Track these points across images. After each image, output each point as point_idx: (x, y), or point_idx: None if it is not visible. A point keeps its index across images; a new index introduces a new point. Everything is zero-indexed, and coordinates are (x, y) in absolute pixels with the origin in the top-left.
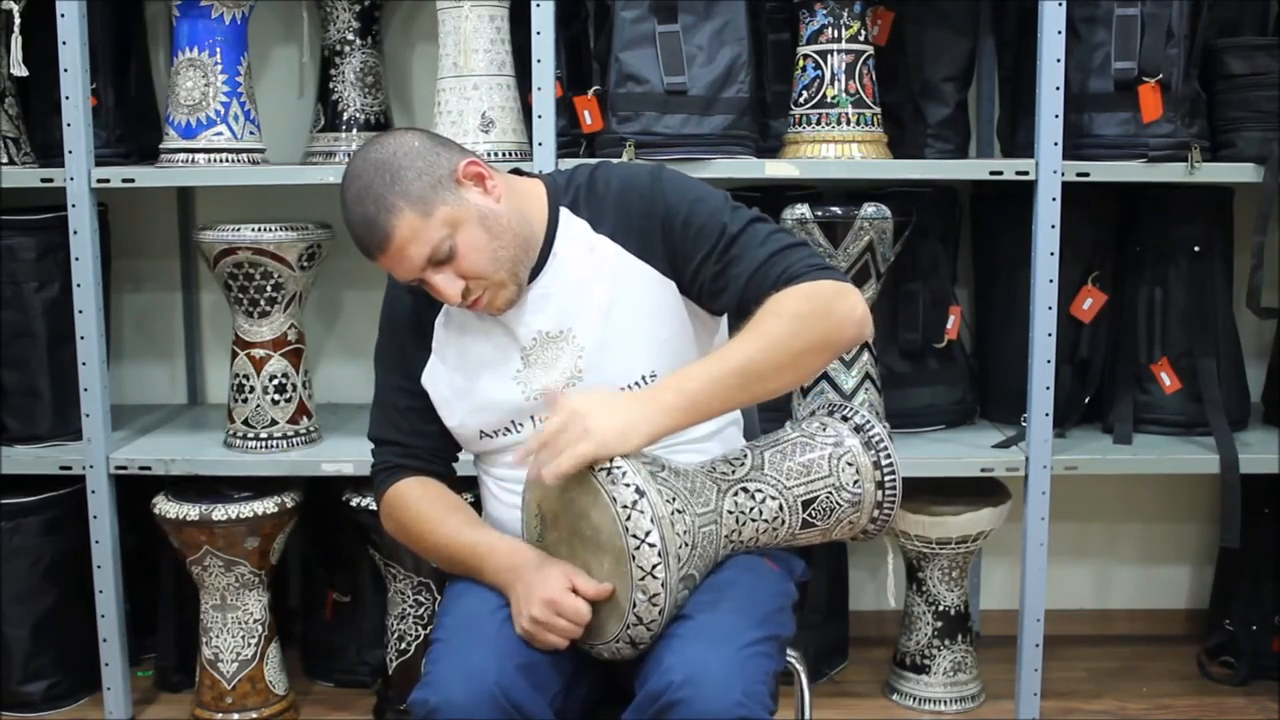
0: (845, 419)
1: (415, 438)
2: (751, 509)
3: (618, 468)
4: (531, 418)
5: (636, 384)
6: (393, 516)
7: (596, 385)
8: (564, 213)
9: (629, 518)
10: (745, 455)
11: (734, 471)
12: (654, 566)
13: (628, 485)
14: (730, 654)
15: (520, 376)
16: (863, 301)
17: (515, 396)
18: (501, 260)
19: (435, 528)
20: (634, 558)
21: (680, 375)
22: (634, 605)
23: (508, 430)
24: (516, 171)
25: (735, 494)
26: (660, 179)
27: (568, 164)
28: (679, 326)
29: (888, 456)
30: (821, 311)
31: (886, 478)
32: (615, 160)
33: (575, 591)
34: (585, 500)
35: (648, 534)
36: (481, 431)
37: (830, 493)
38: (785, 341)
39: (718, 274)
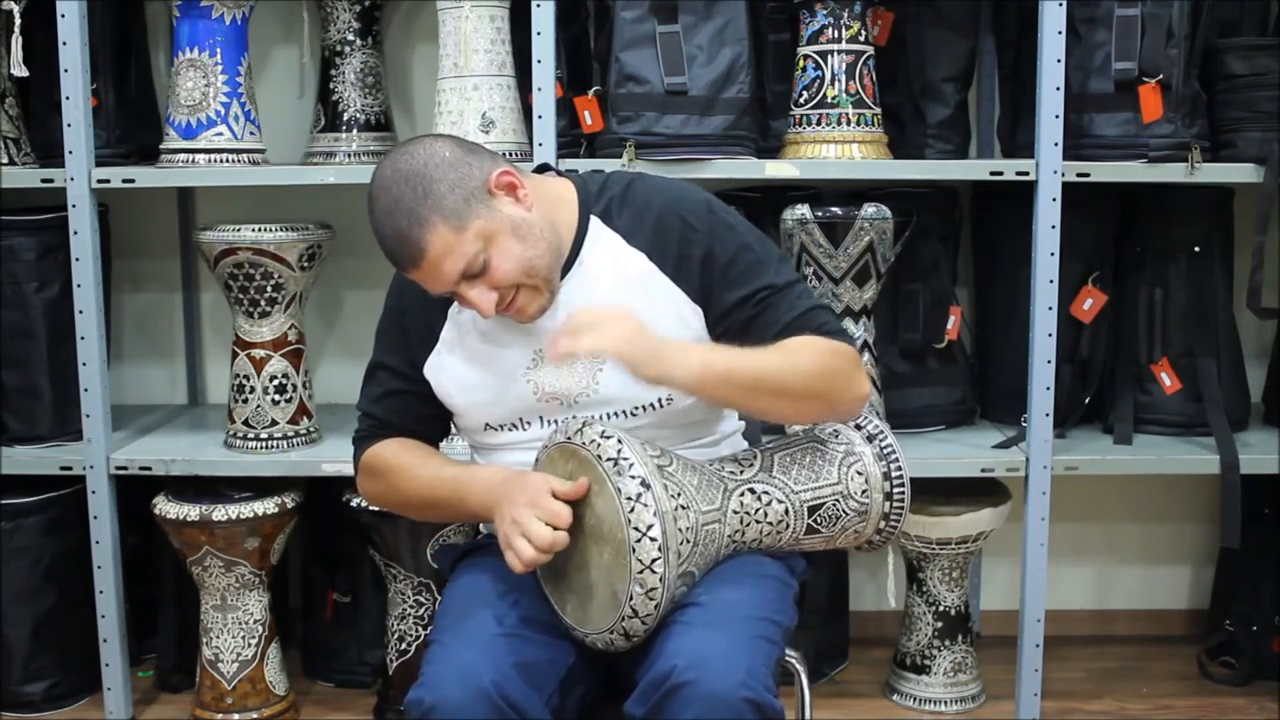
0: (858, 427)
1: (395, 416)
2: (757, 510)
3: (625, 459)
4: (540, 418)
5: (652, 405)
6: (370, 475)
7: (610, 400)
8: (594, 222)
9: (632, 510)
10: (754, 457)
11: (742, 472)
12: (653, 561)
13: (634, 477)
14: (733, 638)
15: (531, 376)
16: (869, 383)
17: (525, 395)
18: (538, 267)
19: (416, 472)
20: (634, 550)
21: (709, 351)
22: (630, 598)
23: (514, 427)
24: (544, 167)
25: (742, 495)
26: (714, 211)
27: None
28: None
29: (898, 468)
30: (844, 373)
31: (895, 489)
32: (654, 174)
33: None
34: (591, 488)
35: (649, 528)
36: (487, 424)
37: (837, 500)
38: (805, 377)
39: (751, 318)
